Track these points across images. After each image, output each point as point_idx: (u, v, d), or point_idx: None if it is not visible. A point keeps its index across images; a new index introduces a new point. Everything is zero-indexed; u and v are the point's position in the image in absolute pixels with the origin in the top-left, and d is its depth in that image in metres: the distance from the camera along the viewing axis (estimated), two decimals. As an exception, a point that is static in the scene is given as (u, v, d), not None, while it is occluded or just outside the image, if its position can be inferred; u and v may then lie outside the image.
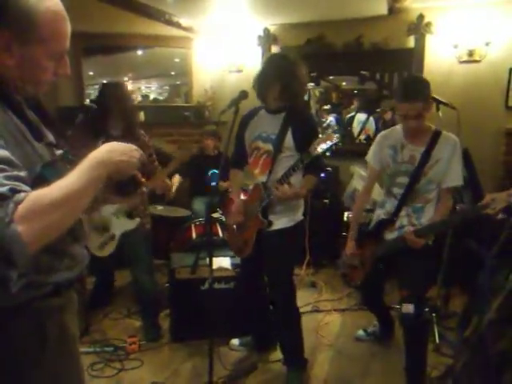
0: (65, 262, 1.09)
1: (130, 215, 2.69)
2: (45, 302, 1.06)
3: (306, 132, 2.19)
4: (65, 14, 1.01)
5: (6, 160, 0.87)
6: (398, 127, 2.36)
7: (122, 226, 2.69)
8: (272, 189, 2.18)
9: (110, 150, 0.97)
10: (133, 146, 1.02)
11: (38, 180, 0.95)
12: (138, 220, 2.72)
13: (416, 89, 2.10)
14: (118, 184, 1.03)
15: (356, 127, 4.89)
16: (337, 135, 2.01)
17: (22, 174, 0.89)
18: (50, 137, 1.10)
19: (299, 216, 2.36)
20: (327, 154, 2.07)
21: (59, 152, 1.09)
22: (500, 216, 2.04)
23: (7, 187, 0.82)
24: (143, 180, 1.07)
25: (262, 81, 2.27)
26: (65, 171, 0.93)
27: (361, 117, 4.92)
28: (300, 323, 2.46)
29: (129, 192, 1.09)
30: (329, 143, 2.03)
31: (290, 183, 2.16)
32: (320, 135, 2.08)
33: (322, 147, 2.03)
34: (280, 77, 2.19)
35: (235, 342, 2.77)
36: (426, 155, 2.20)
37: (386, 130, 2.48)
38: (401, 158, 2.28)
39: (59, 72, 1.05)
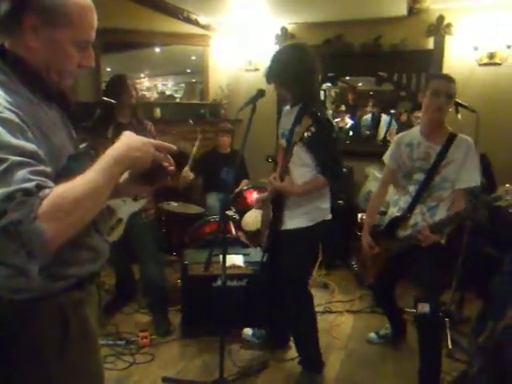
0: (88, 254, 1.10)
1: (134, 198, 2.75)
2: (68, 296, 1.06)
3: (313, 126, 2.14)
4: (91, 5, 1.03)
5: (34, 154, 0.87)
6: (415, 128, 2.43)
7: (128, 208, 2.74)
8: (270, 178, 2.23)
9: (127, 147, 0.96)
10: (146, 140, 1.01)
11: (64, 172, 0.96)
12: (143, 201, 2.78)
13: (450, 75, 2.28)
14: (143, 173, 1.04)
15: (383, 128, 4.88)
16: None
17: (48, 169, 0.89)
18: (73, 130, 1.11)
19: (317, 217, 2.29)
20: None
21: (82, 145, 1.10)
22: None
23: (34, 183, 0.82)
24: (171, 168, 1.07)
25: (273, 72, 2.23)
26: (86, 165, 0.94)
27: (386, 118, 4.90)
28: (313, 325, 2.43)
29: (156, 180, 1.09)
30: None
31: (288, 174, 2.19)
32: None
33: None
34: (289, 67, 2.15)
35: (248, 331, 2.76)
36: (441, 154, 2.24)
37: (403, 132, 2.54)
38: (416, 155, 2.32)
39: (83, 63, 1.05)
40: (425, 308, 2.12)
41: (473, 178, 2.22)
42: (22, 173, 0.82)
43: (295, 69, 2.14)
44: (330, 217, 2.37)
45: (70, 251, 1.01)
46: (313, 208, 2.28)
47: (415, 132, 2.39)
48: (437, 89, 2.18)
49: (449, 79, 2.22)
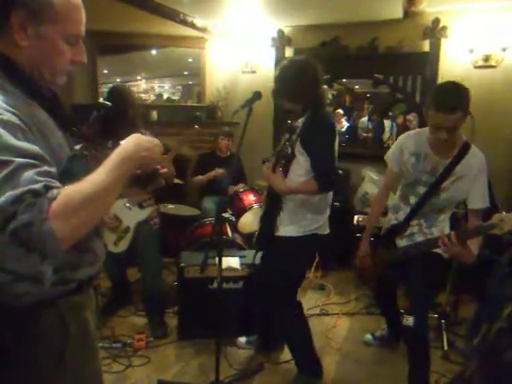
0: (88, 257, 1.10)
1: (140, 205, 2.75)
2: (68, 299, 1.06)
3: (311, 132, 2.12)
4: (79, 1, 1.02)
5: (37, 155, 0.86)
6: (425, 131, 2.16)
7: (134, 216, 2.73)
8: (264, 166, 2.23)
9: (136, 145, 0.97)
10: (155, 141, 1.02)
11: (65, 173, 0.95)
12: (149, 209, 2.76)
13: (456, 100, 1.90)
14: (138, 176, 1.04)
15: (387, 133, 4.91)
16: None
17: (52, 169, 0.88)
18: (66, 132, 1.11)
19: (310, 228, 2.21)
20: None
21: (77, 147, 1.10)
22: (507, 238, 1.85)
23: (41, 184, 0.82)
24: (164, 171, 1.08)
25: (280, 90, 2.19)
26: (86, 166, 0.94)
27: (388, 123, 4.95)
28: (302, 332, 2.38)
29: (149, 184, 1.10)
30: None
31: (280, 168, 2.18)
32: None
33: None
34: (295, 81, 2.12)
35: (242, 340, 2.77)
36: (449, 169, 2.08)
37: (410, 132, 2.31)
38: (422, 167, 2.17)
39: (75, 59, 1.05)
40: (409, 321, 2.10)
41: (485, 198, 2.10)
42: (28, 174, 0.82)
43: (300, 82, 2.12)
44: (326, 232, 2.28)
45: (72, 254, 1.01)
46: (306, 218, 2.21)
47: (422, 140, 2.17)
48: (436, 123, 1.97)
49: (450, 111, 1.88)
